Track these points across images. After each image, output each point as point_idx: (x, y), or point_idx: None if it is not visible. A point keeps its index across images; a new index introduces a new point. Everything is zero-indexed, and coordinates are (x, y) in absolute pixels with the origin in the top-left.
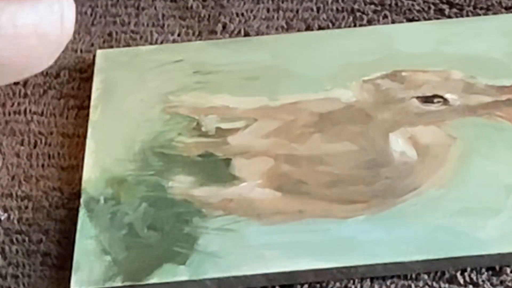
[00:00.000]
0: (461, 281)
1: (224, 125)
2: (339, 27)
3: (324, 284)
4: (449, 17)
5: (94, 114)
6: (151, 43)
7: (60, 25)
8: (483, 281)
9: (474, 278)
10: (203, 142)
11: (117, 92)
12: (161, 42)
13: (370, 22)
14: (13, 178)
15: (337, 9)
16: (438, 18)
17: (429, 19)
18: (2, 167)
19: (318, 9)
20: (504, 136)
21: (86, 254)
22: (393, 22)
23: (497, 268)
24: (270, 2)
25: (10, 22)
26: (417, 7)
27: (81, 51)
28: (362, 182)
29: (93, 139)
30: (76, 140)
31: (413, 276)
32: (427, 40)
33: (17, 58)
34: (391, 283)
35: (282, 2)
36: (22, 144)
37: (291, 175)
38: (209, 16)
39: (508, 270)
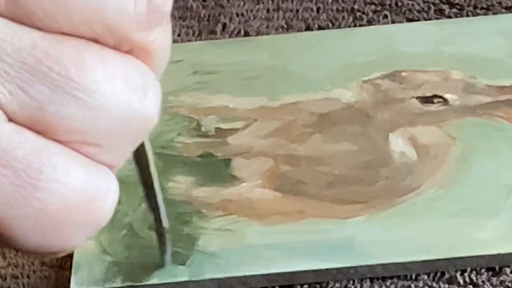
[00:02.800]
0: (461, 281)
1: (223, 125)
2: (339, 27)
3: (324, 285)
4: (449, 17)
5: None
6: None
7: (105, 198)
8: (483, 281)
9: (474, 278)
10: (203, 142)
11: None
12: None
13: (370, 22)
14: None
15: (337, 9)
16: (438, 18)
17: (429, 19)
18: None
19: (318, 9)
20: (504, 136)
21: (86, 254)
22: (393, 22)
23: (497, 268)
24: (270, 2)
25: (65, 166)
26: (417, 7)
27: None
28: (362, 182)
29: None
30: None
31: (413, 276)
32: (427, 40)
33: (60, 210)
34: (390, 284)
35: (282, 2)
36: None
37: (291, 175)
38: (209, 16)
39: (508, 270)
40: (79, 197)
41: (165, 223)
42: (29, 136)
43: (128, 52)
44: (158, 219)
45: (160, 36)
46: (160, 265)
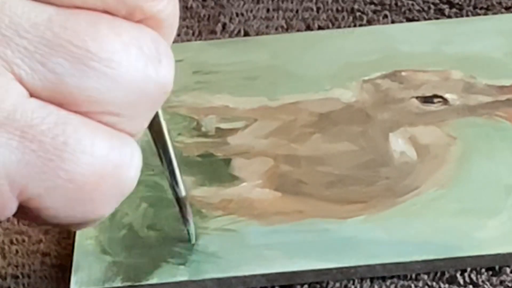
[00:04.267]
0: (461, 281)
1: (223, 125)
2: (339, 27)
3: (324, 284)
4: (449, 17)
5: None
6: None
7: (129, 166)
8: (483, 281)
9: (474, 278)
10: (203, 142)
11: None
12: None
13: (370, 22)
14: None
15: (337, 9)
16: (438, 18)
17: (429, 19)
18: None
19: (318, 9)
20: (504, 136)
21: (86, 254)
22: (393, 22)
23: (497, 268)
24: (270, 2)
25: (89, 137)
26: (417, 7)
27: None
28: (362, 182)
29: None
30: None
31: (413, 276)
32: (427, 40)
33: (88, 179)
34: (391, 283)
35: (282, 2)
36: None
37: (291, 175)
38: (209, 16)
39: (508, 270)
40: (105, 165)
41: (183, 191)
42: (52, 110)
43: (140, 21)
44: (176, 187)
45: (169, 4)
46: (188, 239)
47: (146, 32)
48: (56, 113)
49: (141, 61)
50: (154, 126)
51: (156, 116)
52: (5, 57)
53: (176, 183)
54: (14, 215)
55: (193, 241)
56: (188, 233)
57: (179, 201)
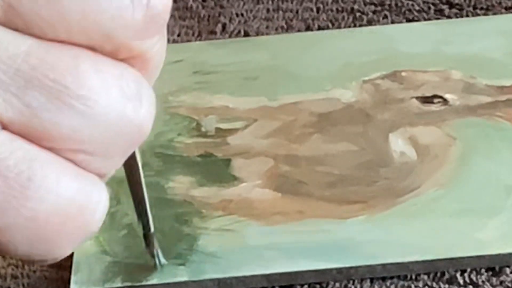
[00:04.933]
0: (461, 281)
1: (223, 125)
2: (339, 27)
3: (324, 285)
4: (449, 17)
5: None
6: None
7: (95, 209)
8: (483, 281)
9: (474, 278)
10: (203, 143)
11: None
12: None
13: (370, 22)
14: None
15: (337, 10)
16: (438, 18)
17: (429, 19)
18: None
19: (318, 10)
20: (504, 136)
21: (86, 254)
22: (393, 22)
23: (497, 268)
24: (270, 2)
25: (56, 176)
26: (417, 7)
27: None
28: (361, 182)
29: None
30: None
31: (413, 276)
32: (427, 40)
33: (49, 219)
34: (391, 284)
35: (282, 3)
36: None
37: (290, 176)
38: (209, 16)
39: (508, 270)
40: (69, 206)
41: (152, 228)
42: (22, 145)
43: (124, 59)
44: (146, 224)
45: (157, 44)
46: (155, 267)
47: (128, 71)
48: (25, 148)
49: (120, 101)
50: (129, 164)
51: (132, 154)
52: None
53: (147, 220)
54: None
55: (162, 263)
56: (158, 260)
57: (146, 237)
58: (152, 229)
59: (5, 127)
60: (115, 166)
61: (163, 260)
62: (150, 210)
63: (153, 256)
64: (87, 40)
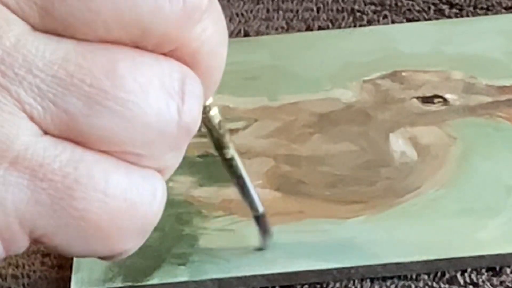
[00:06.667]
0: (461, 281)
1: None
2: (339, 27)
3: (324, 285)
4: (449, 17)
5: None
6: None
7: (150, 202)
8: (483, 281)
9: (474, 278)
10: (203, 143)
11: None
12: None
13: (370, 22)
14: None
15: (337, 10)
16: (438, 18)
17: (429, 19)
18: None
19: (318, 10)
20: (505, 136)
21: None
22: (393, 22)
23: (498, 268)
24: (270, 2)
25: (103, 174)
26: (417, 7)
27: None
28: (362, 182)
29: None
30: None
31: (413, 276)
32: (427, 40)
33: (100, 217)
34: (391, 284)
35: (282, 2)
36: None
37: (291, 176)
38: None
39: (509, 270)
40: (120, 203)
41: (260, 208)
42: (66, 148)
43: (171, 52)
44: (251, 206)
45: (206, 30)
46: (259, 248)
47: (172, 66)
48: (70, 150)
49: (161, 101)
50: (222, 151)
51: (224, 142)
52: (17, 96)
53: (251, 202)
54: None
55: (265, 248)
56: (262, 244)
57: (256, 218)
58: (260, 210)
59: (47, 132)
60: (168, 162)
61: (266, 244)
62: (253, 191)
63: (261, 237)
64: (127, 36)
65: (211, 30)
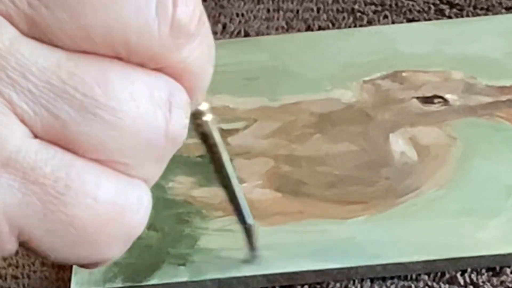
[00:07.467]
0: (461, 281)
1: (224, 126)
2: (339, 27)
3: (324, 285)
4: (449, 17)
5: None
6: None
7: (138, 209)
8: (483, 281)
9: (474, 278)
10: None
11: None
12: None
13: (370, 23)
14: None
15: (337, 10)
16: (438, 19)
17: (429, 19)
18: None
19: (318, 10)
20: (505, 137)
21: None
22: (393, 22)
23: (497, 268)
24: (270, 2)
25: (93, 180)
26: (417, 8)
27: None
28: (362, 182)
29: None
30: None
31: (413, 276)
32: (427, 40)
33: (90, 223)
34: (391, 284)
35: (282, 3)
36: None
37: (291, 176)
38: (209, 16)
39: (508, 270)
40: (109, 210)
41: (248, 219)
42: (57, 152)
43: (158, 68)
44: (240, 216)
45: (192, 52)
46: (247, 260)
47: (159, 79)
48: (61, 155)
49: (149, 111)
50: (214, 158)
51: (215, 146)
52: (10, 98)
53: (240, 213)
54: (25, 250)
55: (255, 259)
56: (254, 254)
57: (244, 229)
58: (249, 222)
59: (37, 136)
60: (152, 173)
61: (255, 255)
62: (242, 202)
63: (251, 249)
64: (113, 53)
65: (198, 52)
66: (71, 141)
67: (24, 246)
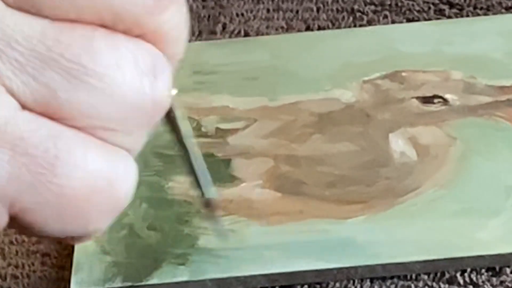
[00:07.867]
0: (461, 281)
1: (224, 125)
2: (339, 27)
3: (324, 285)
4: (449, 17)
5: None
6: None
7: (125, 179)
8: (483, 281)
9: (474, 278)
10: (203, 143)
11: None
12: None
13: (370, 23)
14: None
15: (337, 10)
16: (438, 18)
17: (429, 19)
18: None
19: (318, 10)
20: (504, 137)
21: (86, 254)
22: (393, 22)
23: (497, 268)
24: (270, 2)
25: (82, 151)
26: (417, 7)
27: None
28: (362, 182)
29: None
30: None
31: (413, 276)
32: (427, 40)
33: (80, 193)
34: (391, 284)
35: (282, 2)
36: None
37: (291, 176)
38: (209, 16)
39: (508, 270)
40: (97, 180)
41: (209, 193)
42: (45, 123)
43: (139, 36)
44: (199, 189)
45: (172, 18)
46: (220, 237)
47: (143, 46)
48: (49, 126)
49: (135, 77)
50: (173, 127)
51: (174, 117)
52: None
53: (198, 184)
54: (8, 227)
55: (225, 231)
56: (220, 229)
57: (205, 205)
58: (209, 195)
59: (25, 107)
60: (138, 142)
61: (225, 227)
62: (204, 174)
63: (215, 225)
64: (98, 20)
65: (177, 17)
66: (59, 109)
67: (16, 218)
